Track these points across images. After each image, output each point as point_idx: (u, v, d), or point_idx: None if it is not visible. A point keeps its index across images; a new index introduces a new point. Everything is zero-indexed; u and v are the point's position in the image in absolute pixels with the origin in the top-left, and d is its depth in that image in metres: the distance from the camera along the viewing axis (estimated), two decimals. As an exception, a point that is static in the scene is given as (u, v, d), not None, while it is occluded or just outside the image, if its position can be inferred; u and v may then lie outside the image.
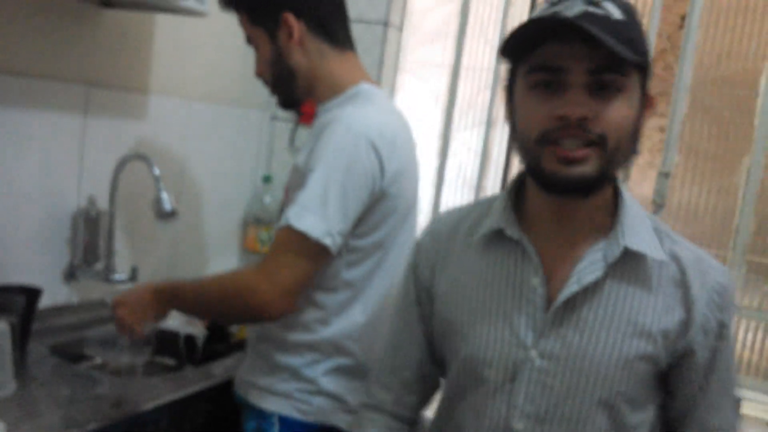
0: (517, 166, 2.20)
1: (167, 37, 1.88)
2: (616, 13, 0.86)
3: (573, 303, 0.94)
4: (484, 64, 2.42)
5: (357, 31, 1.48)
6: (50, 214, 1.64)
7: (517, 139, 0.94)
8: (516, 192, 1.01)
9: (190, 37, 1.95)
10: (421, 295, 1.08)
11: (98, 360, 1.68)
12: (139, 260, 1.87)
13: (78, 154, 1.68)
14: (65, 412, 1.22)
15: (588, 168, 0.88)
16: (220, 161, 2.16)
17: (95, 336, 1.66)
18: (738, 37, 2.07)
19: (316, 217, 1.20)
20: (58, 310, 1.68)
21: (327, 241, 1.21)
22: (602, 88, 0.86)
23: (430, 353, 1.10)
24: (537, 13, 0.89)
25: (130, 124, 1.82)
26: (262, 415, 1.34)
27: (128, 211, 1.83)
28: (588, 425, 0.94)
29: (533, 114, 0.89)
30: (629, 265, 0.94)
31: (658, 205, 2.03)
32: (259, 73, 1.42)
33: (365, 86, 1.36)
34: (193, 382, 1.47)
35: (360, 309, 1.34)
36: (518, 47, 0.89)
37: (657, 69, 2.85)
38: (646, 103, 0.92)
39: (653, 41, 2.03)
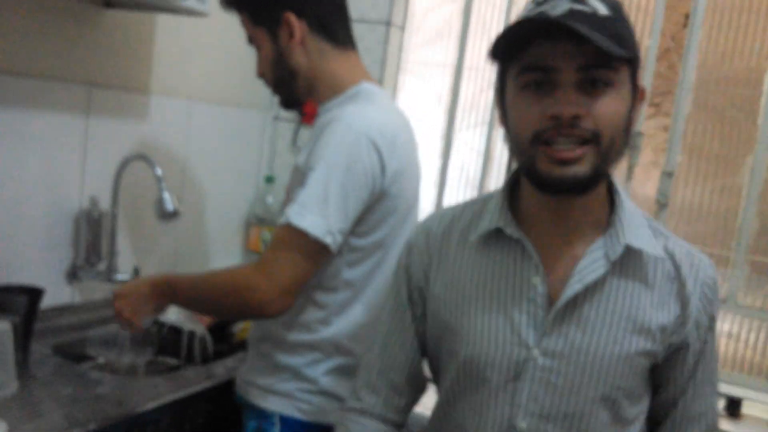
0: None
1: (168, 38, 1.88)
2: (602, 9, 0.86)
3: (574, 301, 0.94)
4: (486, 63, 2.41)
5: (359, 30, 1.48)
6: (52, 214, 1.65)
7: (511, 140, 0.94)
8: (510, 191, 1.01)
9: (192, 38, 1.95)
10: (414, 295, 1.07)
11: (100, 360, 1.68)
12: (141, 260, 1.87)
13: (80, 154, 1.69)
14: (67, 412, 1.23)
15: (582, 167, 0.88)
16: (222, 161, 2.16)
17: (97, 336, 1.66)
18: (742, 36, 2.06)
19: (317, 215, 1.20)
20: (61, 310, 1.68)
21: (327, 239, 1.21)
22: (593, 85, 0.87)
23: (421, 354, 1.10)
24: (524, 13, 0.90)
25: (132, 125, 1.82)
26: (263, 415, 1.34)
27: (130, 212, 1.83)
28: (591, 420, 0.95)
29: (525, 115, 0.89)
30: (629, 262, 0.95)
31: (661, 204, 2.03)
32: (261, 74, 1.42)
33: (366, 86, 1.35)
34: (194, 381, 1.47)
35: (361, 309, 1.34)
36: (507, 49, 0.89)
37: (660, 68, 2.85)
38: (637, 94, 0.93)
39: (657, 41, 2.03)
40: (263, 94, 2.14)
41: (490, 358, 0.97)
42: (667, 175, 2.01)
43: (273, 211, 2.24)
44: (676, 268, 0.97)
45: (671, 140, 2.02)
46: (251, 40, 1.40)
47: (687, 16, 2.07)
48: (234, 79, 2.13)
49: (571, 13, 0.84)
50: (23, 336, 1.40)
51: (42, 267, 1.63)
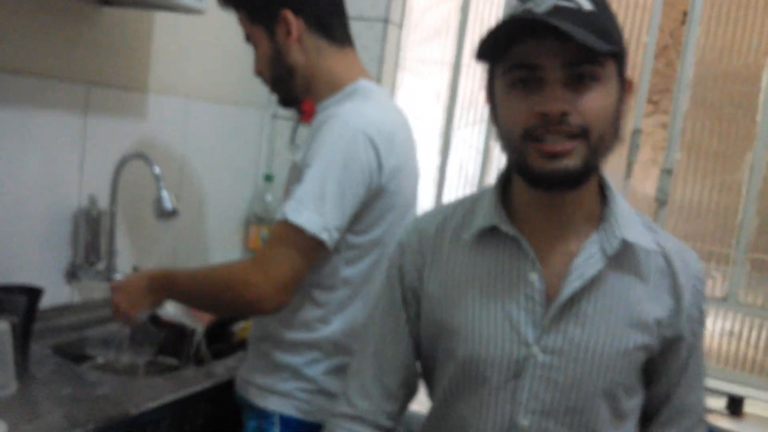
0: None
1: (166, 36, 1.87)
2: (586, 5, 0.86)
3: (573, 297, 0.94)
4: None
5: (357, 28, 1.48)
6: (51, 213, 1.64)
7: (502, 138, 0.95)
8: (503, 188, 1.01)
9: (189, 36, 1.95)
10: (408, 295, 1.06)
11: (100, 360, 1.68)
12: (140, 260, 1.87)
13: (78, 153, 1.68)
14: (66, 412, 1.22)
15: (573, 161, 0.89)
16: (221, 160, 2.16)
17: (97, 336, 1.66)
18: (740, 32, 2.06)
19: (313, 212, 1.20)
20: (60, 310, 1.68)
21: (323, 236, 1.21)
22: (579, 80, 0.87)
23: (416, 357, 1.08)
24: (509, 11, 0.90)
25: (131, 123, 1.81)
26: (263, 415, 1.33)
27: (129, 211, 1.83)
28: (592, 415, 0.95)
29: (514, 112, 0.90)
30: (624, 256, 0.96)
31: (660, 202, 2.03)
32: (259, 72, 1.41)
33: (364, 83, 1.35)
34: (194, 381, 1.46)
35: (360, 307, 1.33)
36: (493, 47, 0.90)
37: (659, 65, 2.84)
38: (624, 87, 0.93)
39: (655, 38, 2.02)
40: (261, 92, 2.13)
41: (489, 356, 0.96)
42: (667, 172, 2.01)
43: (272, 210, 2.24)
44: (668, 262, 0.98)
45: (670, 138, 2.02)
46: (248, 37, 1.40)
47: (685, 13, 2.07)
48: (232, 78, 2.13)
49: (556, 10, 0.85)
50: (22, 336, 1.39)
51: (41, 266, 1.63)
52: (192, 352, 1.74)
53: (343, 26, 1.39)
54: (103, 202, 1.73)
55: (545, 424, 0.95)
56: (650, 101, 2.85)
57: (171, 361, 1.77)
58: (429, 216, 1.09)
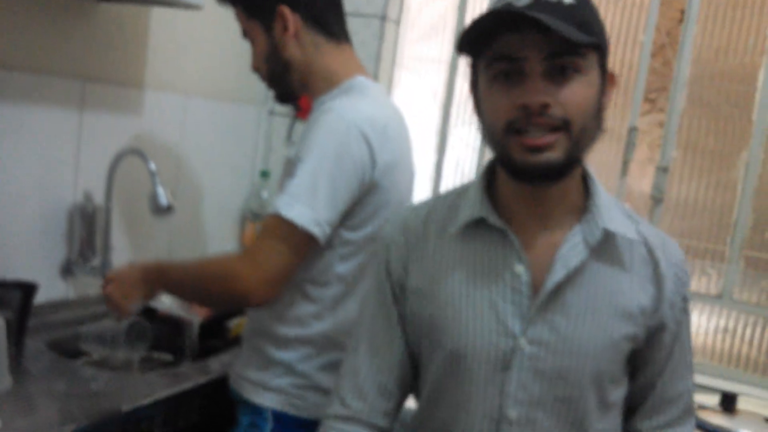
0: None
1: (163, 32, 1.87)
2: None
3: (557, 288, 0.95)
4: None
5: (354, 24, 1.48)
6: (46, 209, 1.64)
7: (485, 131, 0.96)
8: (488, 181, 1.02)
9: (186, 32, 1.95)
10: (397, 291, 1.05)
11: (94, 356, 1.67)
12: (135, 256, 1.87)
13: (74, 149, 1.68)
14: (61, 408, 1.22)
15: (555, 153, 0.89)
16: (217, 156, 2.15)
17: (91, 332, 1.65)
18: (736, 32, 2.07)
19: (305, 205, 1.20)
20: (55, 306, 1.67)
21: (315, 230, 1.21)
22: (561, 72, 0.88)
23: (409, 353, 1.06)
24: (490, 5, 0.91)
25: (126, 119, 1.81)
26: (257, 411, 1.33)
27: (125, 207, 1.82)
28: (580, 405, 0.96)
29: (496, 105, 0.91)
30: (606, 246, 0.97)
31: (656, 200, 2.03)
32: (256, 68, 1.41)
33: (360, 79, 1.35)
34: (188, 377, 1.46)
35: (353, 303, 1.33)
36: (475, 41, 0.90)
37: (655, 64, 2.85)
38: (606, 80, 0.94)
39: (651, 36, 2.03)
40: (258, 88, 2.13)
41: (476, 349, 0.96)
42: (662, 170, 2.02)
43: (268, 206, 2.24)
44: (650, 250, 0.99)
45: (666, 136, 2.02)
46: (245, 33, 1.40)
47: (682, 12, 2.08)
48: (229, 74, 2.12)
49: (537, 3, 0.86)
50: (17, 331, 1.39)
51: (36, 262, 1.63)
52: (188, 345, 1.73)
53: (340, 22, 1.39)
54: (99, 198, 1.73)
55: (533, 414, 0.96)
56: (647, 99, 2.85)
57: (166, 357, 1.77)
58: (412, 210, 1.08)
